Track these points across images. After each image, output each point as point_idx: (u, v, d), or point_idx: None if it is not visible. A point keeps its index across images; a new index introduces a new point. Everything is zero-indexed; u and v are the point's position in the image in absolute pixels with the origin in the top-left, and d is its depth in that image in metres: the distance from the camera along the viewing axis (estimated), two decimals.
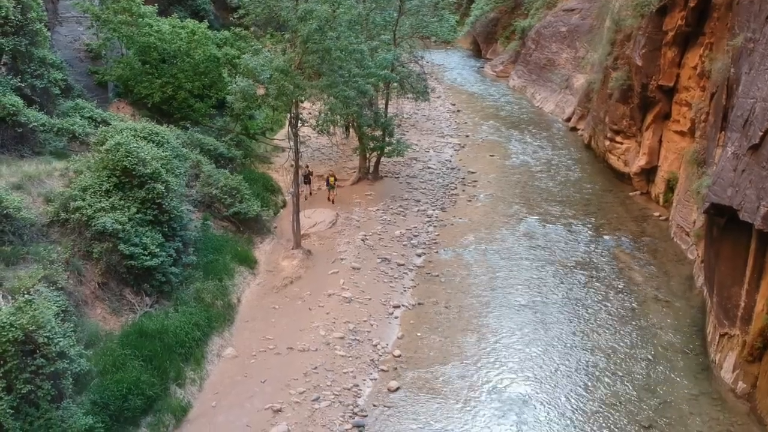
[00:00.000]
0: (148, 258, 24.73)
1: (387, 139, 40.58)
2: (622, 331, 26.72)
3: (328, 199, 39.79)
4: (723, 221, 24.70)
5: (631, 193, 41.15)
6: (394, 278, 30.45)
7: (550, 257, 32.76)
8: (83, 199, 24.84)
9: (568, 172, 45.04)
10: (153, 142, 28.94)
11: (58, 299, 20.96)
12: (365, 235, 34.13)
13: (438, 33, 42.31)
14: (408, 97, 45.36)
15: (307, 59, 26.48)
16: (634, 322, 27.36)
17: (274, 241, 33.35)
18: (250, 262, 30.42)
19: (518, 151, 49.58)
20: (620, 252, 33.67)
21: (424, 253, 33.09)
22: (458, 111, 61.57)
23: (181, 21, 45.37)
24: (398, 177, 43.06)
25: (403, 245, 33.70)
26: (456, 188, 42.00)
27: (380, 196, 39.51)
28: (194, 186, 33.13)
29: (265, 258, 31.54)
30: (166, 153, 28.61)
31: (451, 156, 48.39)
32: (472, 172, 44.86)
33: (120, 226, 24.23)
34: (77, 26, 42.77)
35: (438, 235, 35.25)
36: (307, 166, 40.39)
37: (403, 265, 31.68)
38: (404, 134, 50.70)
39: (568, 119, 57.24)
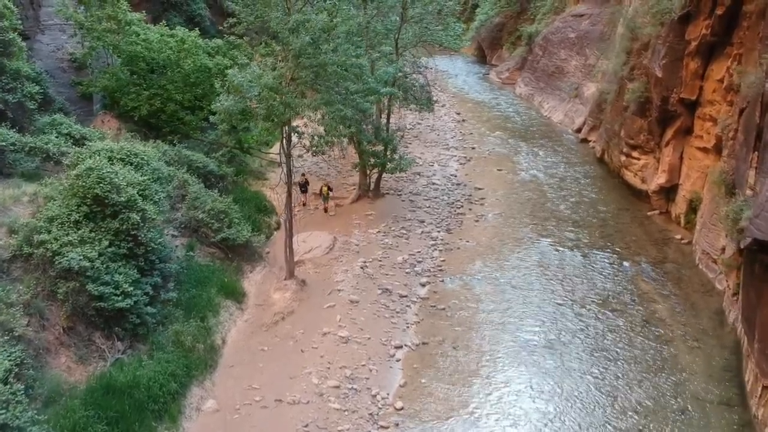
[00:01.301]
0: (119, 298, 21.80)
1: (389, 155, 37.60)
2: (648, 379, 23.68)
3: (325, 210, 37.27)
4: None
5: (649, 213, 38.13)
6: (396, 312, 27.46)
7: (566, 288, 29.74)
8: (49, 231, 21.97)
9: (580, 188, 42.03)
10: (131, 165, 26.09)
11: (12, 351, 18.22)
12: (365, 262, 31.15)
13: (443, 41, 39.30)
14: (411, 109, 42.44)
15: (300, 75, 23.53)
16: (661, 367, 24.32)
17: (265, 269, 30.39)
18: (237, 296, 27.47)
19: (527, 165, 46.60)
20: (642, 281, 30.65)
21: (429, 282, 30.10)
22: (463, 121, 58.64)
23: (175, 27, 42.66)
24: (401, 194, 40.10)
25: (406, 273, 30.72)
26: (462, 207, 39.02)
27: (381, 216, 36.54)
28: (180, 208, 30.31)
29: (255, 289, 28.58)
30: (146, 177, 25.78)
31: (457, 170, 45.42)
32: (479, 189, 41.89)
33: (88, 263, 21.31)
34: (60, 34, 39.91)
35: (443, 260, 32.27)
36: (303, 175, 37.38)
37: (405, 296, 28.71)
38: (407, 146, 47.79)
39: (579, 130, 54.26)
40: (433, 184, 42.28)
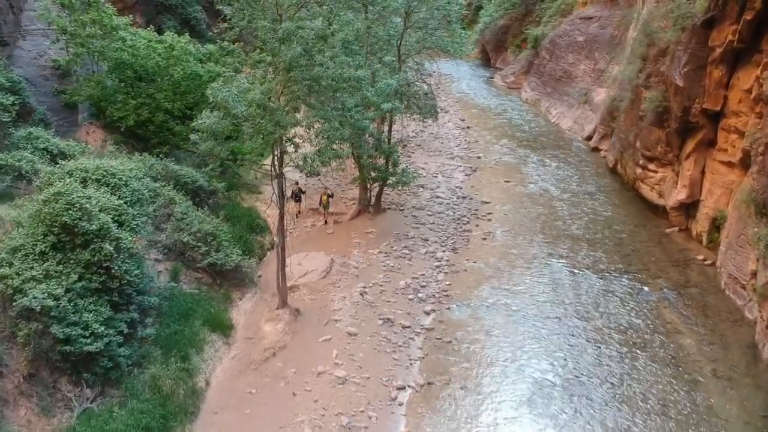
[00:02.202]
0: (88, 341, 19.25)
1: (391, 168, 35.03)
2: (680, 426, 21.12)
3: (324, 221, 35.17)
4: None
5: (667, 230, 35.51)
6: (398, 346, 24.87)
7: (583, 317, 27.16)
8: (10, 265, 19.52)
9: (593, 202, 39.42)
10: (107, 186, 23.53)
11: None
12: (364, 287, 28.59)
13: (448, 48, 36.67)
14: (414, 118, 39.88)
15: (291, 90, 20.93)
16: (693, 411, 21.76)
17: (257, 295, 27.83)
18: (225, 328, 24.89)
19: (536, 176, 43.99)
20: (664, 309, 28.05)
21: (434, 310, 27.52)
22: (468, 128, 56.07)
23: (167, 32, 40.14)
24: (403, 209, 37.52)
25: (409, 299, 28.15)
26: (468, 223, 36.43)
27: (382, 234, 33.97)
28: (165, 229, 27.80)
29: (245, 319, 26.01)
30: (124, 199, 23.24)
31: (462, 182, 42.84)
32: (486, 203, 39.30)
33: (53, 302, 18.77)
34: (43, 40, 37.31)
35: (449, 284, 29.69)
36: (297, 183, 34.94)
37: (408, 327, 26.12)
38: (410, 156, 45.29)
39: (589, 138, 51.66)
40: (438, 197, 39.69)
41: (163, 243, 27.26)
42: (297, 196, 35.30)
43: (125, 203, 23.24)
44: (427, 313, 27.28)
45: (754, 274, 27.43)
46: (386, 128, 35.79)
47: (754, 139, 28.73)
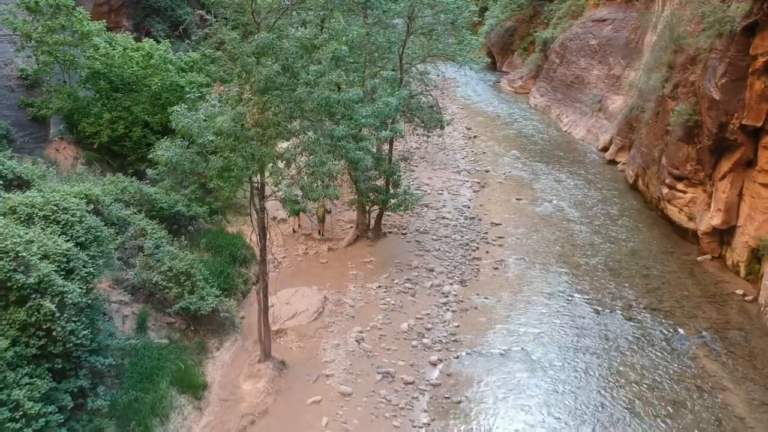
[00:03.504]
0: (18, 426, 15.46)
1: (392, 189, 31.14)
2: None
3: (319, 232, 32.16)
4: None
5: (699, 258, 31.60)
6: (400, 409, 20.98)
7: (613, 368, 23.29)
8: None
9: (613, 224, 35.52)
10: (58, 224, 19.67)
11: None
12: (361, 332, 24.75)
13: (456, 57, 32.71)
14: (417, 133, 35.99)
15: (268, 116, 17.03)
16: None
17: (237, 343, 23.99)
18: (196, 388, 21.00)
19: (549, 193, 40.10)
20: (704, 357, 24.17)
21: (441, 360, 23.64)
22: (475, 137, 52.21)
23: (146, 38, 36.39)
24: (405, 233, 33.65)
25: (412, 346, 24.28)
26: (478, 249, 32.55)
27: (382, 264, 30.10)
28: (134, 265, 23.99)
29: (221, 375, 22.13)
30: (77, 240, 19.38)
31: (470, 199, 38.97)
32: (497, 224, 35.43)
33: None
34: (10, 47, 33.53)
35: (458, 326, 25.83)
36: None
37: (412, 383, 22.24)
38: (413, 170, 41.42)
39: (605, 149, 47.72)
40: (443, 218, 35.81)
41: (131, 282, 23.50)
42: None
43: (78, 245, 19.39)
44: (434, 364, 23.40)
45: None
46: (386, 145, 31.85)
47: None
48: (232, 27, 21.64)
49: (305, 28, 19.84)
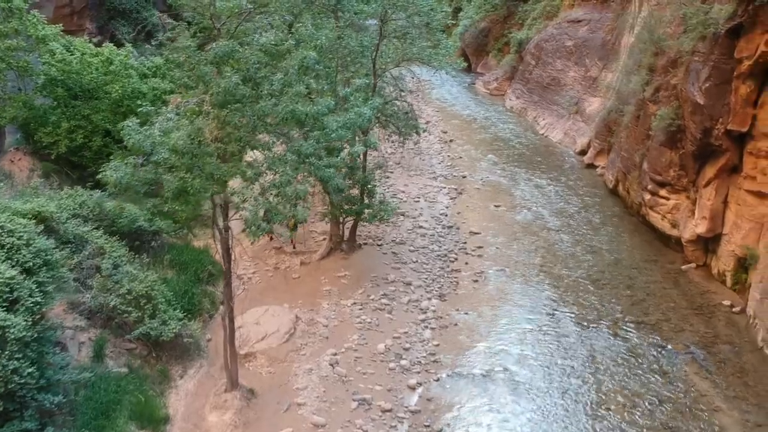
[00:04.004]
0: None
1: (366, 200, 29.65)
2: None
3: (292, 245, 30.56)
4: None
5: (683, 267, 30.51)
6: None
7: (601, 389, 22.03)
8: None
9: (595, 232, 34.37)
10: (1, 248, 17.90)
11: None
12: (335, 354, 23.21)
13: (432, 61, 31.24)
14: (393, 140, 34.52)
15: (227, 132, 15.43)
16: None
17: (202, 369, 22.32)
18: (157, 422, 19.33)
19: (528, 199, 38.87)
20: (695, 375, 23.00)
21: (420, 383, 22.18)
22: (451, 141, 50.88)
23: (107, 43, 34.51)
24: (381, 244, 32.15)
25: (390, 369, 22.79)
26: (456, 260, 31.18)
27: (357, 278, 28.60)
28: (92, 287, 22.25)
29: (185, 406, 20.45)
30: (24, 265, 17.62)
31: (447, 207, 37.59)
32: (475, 233, 34.08)
33: None
34: None
35: (437, 345, 24.40)
36: None
37: (389, 411, 20.75)
38: (388, 177, 39.93)
39: (582, 152, 46.64)
40: (420, 227, 34.38)
41: (88, 305, 21.77)
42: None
43: (24, 271, 17.64)
44: (413, 389, 21.93)
45: None
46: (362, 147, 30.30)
47: None
48: (195, 31, 20.08)
49: (272, 30, 18.18)
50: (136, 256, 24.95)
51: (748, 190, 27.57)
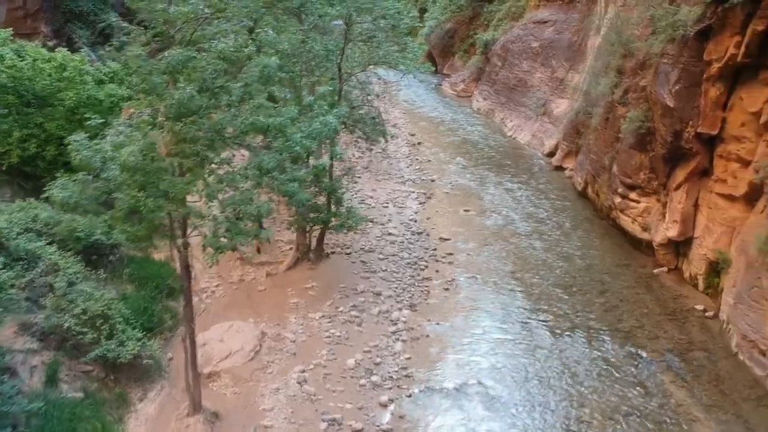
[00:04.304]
0: None
1: (334, 208, 28.72)
2: None
3: (257, 250, 29.30)
4: None
5: (655, 271, 30.15)
6: None
7: (577, 401, 21.41)
8: None
9: (566, 236, 33.87)
10: None
11: None
12: (303, 371, 22.24)
13: (398, 64, 30.43)
14: (360, 146, 33.65)
15: (183, 146, 14.37)
16: None
17: (164, 391, 21.19)
18: None
19: (497, 203, 38.30)
20: (671, 384, 22.51)
21: (392, 400, 21.32)
22: (419, 144, 50.19)
23: (61, 48, 32.97)
24: (350, 252, 31.25)
25: (360, 386, 21.89)
26: (426, 267, 30.42)
27: (326, 289, 27.67)
28: (45, 306, 21.02)
29: None
30: None
31: (416, 212, 36.85)
32: (445, 239, 33.38)
33: None
34: None
35: (409, 358, 23.57)
36: None
37: (361, 431, 19.88)
38: (356, 182, 38.94)
39: (551, 154, 46.32)
40: (389, 234, 33.56)
41: (40, 326, 20.54)
42: None
43: None
44: (384, 406, 21.07)
45: None
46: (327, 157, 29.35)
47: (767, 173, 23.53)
48: (151, 36, 18.96)
49: (231, 35, 17.15)
50: (93, 271, 23.78)
51: (719, 194, 27.26)
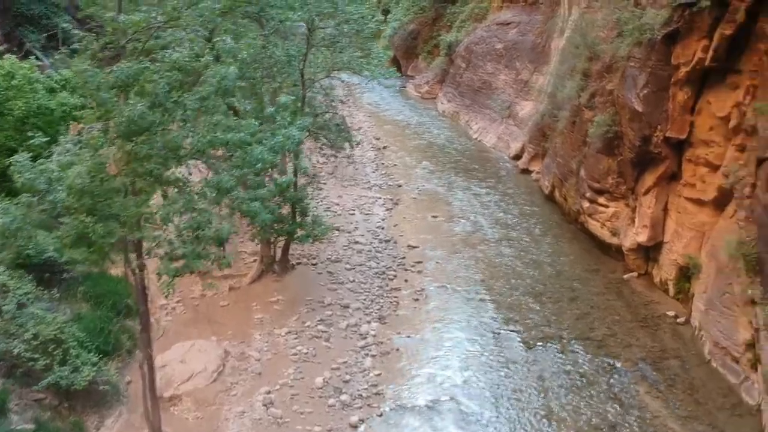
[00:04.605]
0: None
1: (299, 218, 27.77)
2: None
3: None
4: None
5: (625, 276, 29.82)
6: None
7: (554, 416, 20.81)
8: None
9: (535, 242, 33.39)
10: None
11: None
12: (269, 392, 21.26)
13: (363, 71, 29.58)
14: (324, 153, 32.75)
15: (134, 166, 13.31)
16: None
17: (122, 417, 20.05)
18: None
19: (465, 209, 37.72)
20: (646, 394, 22.05)
21: (363, 420, 20.47)
22: (384, 147, 49.39)
23: (9, 55, 31.45)
24: (316, 263, 30.35)
25: (329, 406, 21.00)
26: (395, 277, 29.66)
27: (292, 303, 26.73)
28: None
29: None
30: None
31: (383, 219, 36.06)
32: (413, 247, 32.66)
33: None
34: None
35: (379, 374, 22.75)
36: None
37: None
38: (321, 189, 37.89)
39: (517, 157, 45.94)
40: (356, 243, 32.72)
41: None
42: None
43: None
44: (354, 427, 20.21)
45: (748, 346, 21.93)
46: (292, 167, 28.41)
47: (737, 178, 23.26)
48: (103, 44, 17.85)
49: (187, 43, 16.14)
50: (46, 291, 22.47)
51: (688, 198, 27.01)
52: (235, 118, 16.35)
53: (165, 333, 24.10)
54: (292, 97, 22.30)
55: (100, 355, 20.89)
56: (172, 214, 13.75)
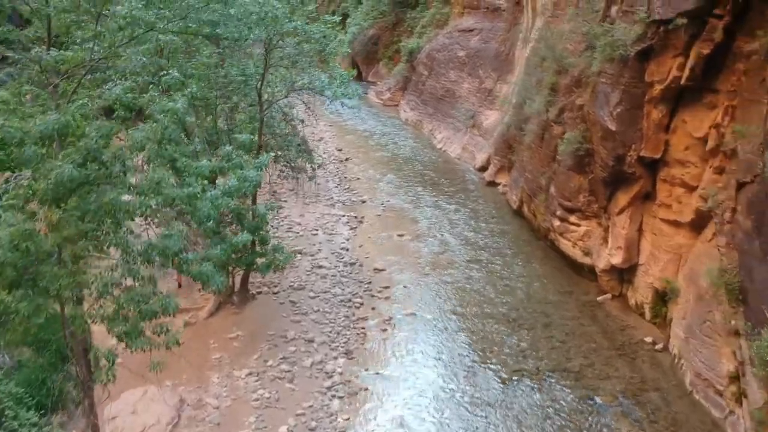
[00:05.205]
0: None
1: (258, 248, 25.98)
2: None
3: (179, 285, 26.75)
4: None
5: (599, 299, 28.75)
6: None
7: None
8: None
9: (504, 261, 32.17)
10: None
11: None
12: None
13: (325, 91, 27.94)
14: (283, 175, 31.00)
15: (65, 233, 11.49)
16: None
17: None
18: None
19: (432, 226, 36.37)
20: None
21: None
22: (347, 159, 47.80)
23: None
24: (277, 291, 28.62)
25: None
26: (362, 305, 28.10)
27: (252, 339, 24.97)
28: None
29: None
30: None
31: (348, 239, 34.49)
32: (380, 270, 31.16)
33: None
34: None
35: (347, 419, 21.14)
36: None
37: None
38: (282, 206, 36.16)
39: (483, 168, 44.80)
40: (320, 267, 31.06)
41: None
42: None
43: None
44: None
45: (732, 378, 20.92)
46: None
47: (716, 202, 22.24)
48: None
49: (130, 77, 14.37)
50: None
51: (664, 219, 26.03)
52: (185, 158, 14.54)
53: (115, 378, 22.08)
54: (252, 136, 20.44)
55: (42, 412, 18.96)
56: (110, 285, 11.97)
